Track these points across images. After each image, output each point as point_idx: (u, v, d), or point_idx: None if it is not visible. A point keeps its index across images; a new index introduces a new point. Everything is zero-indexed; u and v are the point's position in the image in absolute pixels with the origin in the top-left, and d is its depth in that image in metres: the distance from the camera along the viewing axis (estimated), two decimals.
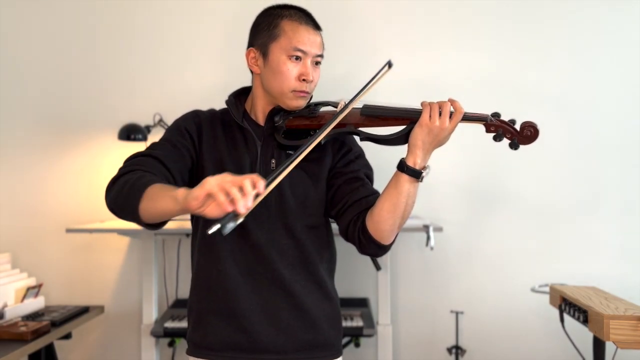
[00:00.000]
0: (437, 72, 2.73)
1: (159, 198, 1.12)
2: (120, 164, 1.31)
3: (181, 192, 1.06)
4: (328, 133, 1.28)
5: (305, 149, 1.16)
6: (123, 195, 1.19)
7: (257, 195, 0.99)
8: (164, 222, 1.25)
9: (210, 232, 0.96)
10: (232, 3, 2.78)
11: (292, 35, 1.33)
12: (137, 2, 2.82)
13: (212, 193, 0.97)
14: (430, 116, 1.22)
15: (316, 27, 1.38)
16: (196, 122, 1.41)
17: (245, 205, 0.95)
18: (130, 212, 1.17)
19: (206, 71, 2.79)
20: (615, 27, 2.71)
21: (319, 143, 1.27)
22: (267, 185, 1.04)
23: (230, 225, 0.97)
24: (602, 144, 2.70)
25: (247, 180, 0.97)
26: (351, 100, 1.26)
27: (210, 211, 0.99)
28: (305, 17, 1.37)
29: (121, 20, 2.82)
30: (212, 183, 0.98)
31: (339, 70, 2.63)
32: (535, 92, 2.70)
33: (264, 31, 1.36)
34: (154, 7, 2.82)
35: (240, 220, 0.98)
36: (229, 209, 0.96)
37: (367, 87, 1.24)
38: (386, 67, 1.24)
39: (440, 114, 1.21)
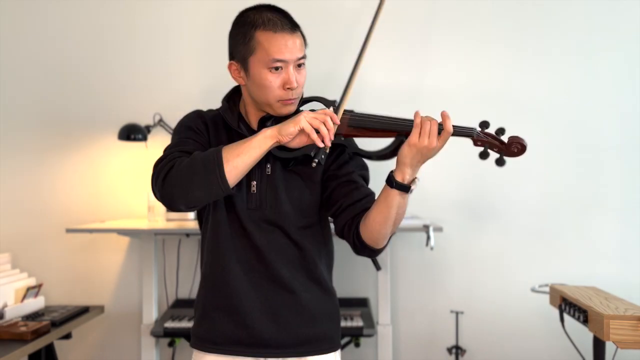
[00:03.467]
0: (430, 80, 2.73)
1: (246, 149, 1.23)
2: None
3: (269, 131, 1.24)
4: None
5: (349, 85, 1.36)
6: (195, 173, 1.22)
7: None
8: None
9: (313, 165, 1.24)
10: (232, 4, 2.77)
11: (267, 46, 1.29)
12: (137, 3, 2.82)
13: (307, 130, 1.21)
14: (419, 136, 1.22)
15: (293, 27, 1.32)
16: (203, 121, 1.42)
17: (331, 138, 1.23)
18: (213, 181, 1.21)
19: (206, 71, 2.79)
20: (613, 29, 2.71)
21: (309, 156, 1.32)
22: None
23: (323, 157, 1.24)
24: (602, 144, 2.70)
25: (327, 117, 1.24)
26: (368, 34, 1.34)
27: (295, 143, 1.25)
28: (280, 20, 1.31)
29: (121, 20, 2.82)
30: (304, 121, 1.22)
31: (326, 64, 2.63)
32: (533, 93, 2.70)
33: (241, 44, 1.33)
34: (153, 8, 2.82)
35: (327, 150, 1.24)
36: (321, 144, 1.22)
37: (376, 15, 1.32)
38: None
39: (429, 134, 1.22)
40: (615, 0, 2.69)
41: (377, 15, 1.28)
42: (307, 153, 1.30)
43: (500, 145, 1.26)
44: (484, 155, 1.27)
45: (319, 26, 2.63)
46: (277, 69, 1.30)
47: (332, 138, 1.22)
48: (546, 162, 2.70)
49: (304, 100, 1.43)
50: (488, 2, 2.73)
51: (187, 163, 1.24)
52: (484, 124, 1.27)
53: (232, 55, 1.37)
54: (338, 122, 1.25)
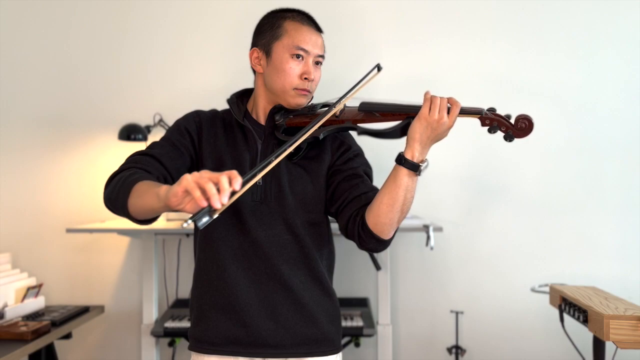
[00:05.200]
0: (434, 69, 2.74)
1: (145, 195, 1.14)
2: (120, 164, 1.33)
3: (164, 189, 1.07)
4: (328, 129, 1.32)
5: (282, 152, 1.18)
6: (116, 191, 1.22)
7: (233, 193, 0.98)
8: (155, 219, 1.26)
9: (184, 225, 0.97)
10: (232, 4, 2.78)
11: (294, 34, 1.37)
12: (137, 3, 2.82)
13: (189, 189, 0.98)
14: (429, 110, 1.24)
15: (318, 29, 1.43)
16: (196, 121, 1.44)
17: (220, 201, 0.95)
18: (121, 207, 1.21)
19: (206, 72, 2.80)
20: (615, 23, 2.70)
21: (317, 138, 1.31)
22: (245, 183, 1.03)
23: (205, 220, 0.97)
24: (602, 142, 2.70)
25: (224, 176, 0.97)
26: (338, 101, 1.29)
27: (190, 207, 1.00)
28: (307, 19, 1.42)
29: (121, 20, 2.82)
30: (188, 179, 0.98)
31: (334, 67, 2.63)
32: (534, 89, 2.70)
33: (268, 31, 1.41)
34: (154, 8, 2.82)
35: (216, 215, 0.98)
36: (204, 204, 0.96)
37: (354, 89, 1.29)
38: (375, 71, 1.30)
39: (439, 108, 1.24)
40: None
41: (364, 81, 1.28)
42: (311, 143, 1.29)
43: (507, 124, 1.28)
44: (492, 130, 1.29)
45: (328, 28, 2.64)
46: (298, 57, 1.37)
47: (224, 202, 0.96)
48: (546, 162, 2.70)
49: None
50: None
51: (118, 179, 1.24)
52: (491, 110, 1.30)
53: (255, 43, 1.44)
54: (238, 187, 0.97)
